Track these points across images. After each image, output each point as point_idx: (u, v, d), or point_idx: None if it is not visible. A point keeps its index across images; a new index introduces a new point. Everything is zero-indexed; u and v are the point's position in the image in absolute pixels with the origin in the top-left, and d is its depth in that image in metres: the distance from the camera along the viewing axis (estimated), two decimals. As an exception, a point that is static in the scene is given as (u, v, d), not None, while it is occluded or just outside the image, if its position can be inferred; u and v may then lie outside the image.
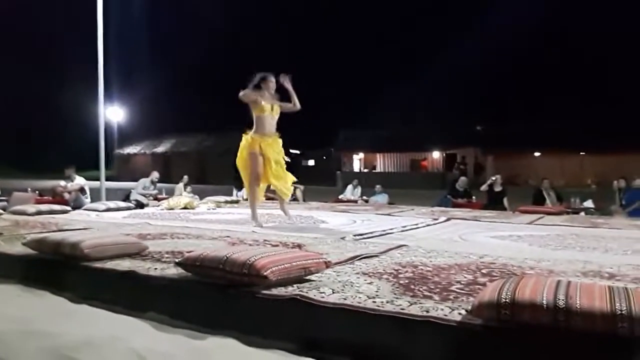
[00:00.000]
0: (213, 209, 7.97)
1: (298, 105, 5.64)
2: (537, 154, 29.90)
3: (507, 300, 1.81)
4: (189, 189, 10.81)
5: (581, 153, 28.23)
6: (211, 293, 2.52)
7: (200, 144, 36.30)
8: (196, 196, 9.60)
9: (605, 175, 24.10)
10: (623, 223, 6.42)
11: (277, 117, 5.55)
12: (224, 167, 30.31)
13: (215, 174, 29.22)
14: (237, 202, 9.41)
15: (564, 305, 1.73)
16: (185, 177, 11.38)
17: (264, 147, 5.42)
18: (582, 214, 8.53)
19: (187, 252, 2.95)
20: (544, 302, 1.75)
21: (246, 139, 5.51)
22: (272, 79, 5.48)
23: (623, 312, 1.68)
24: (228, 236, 4.41)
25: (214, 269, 2.52)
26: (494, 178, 10.06)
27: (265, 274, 2.35)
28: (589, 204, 9.55)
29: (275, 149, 5.51)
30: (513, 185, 24.61)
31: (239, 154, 5.60)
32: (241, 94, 5.33)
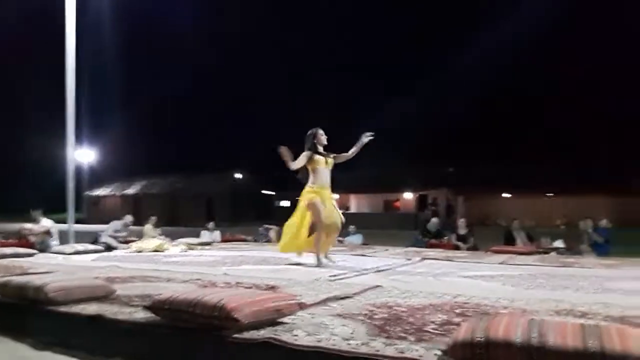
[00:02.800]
0: (185, 251, 7.81)
1: (351, 155, 5.88)
2: (506, 195, 30.49)
3: (481, 339, 1.80)
4: (158, 230, 10.58)
5: (549, 195, 28.92)
6: (180, 337, 2.44)
7: (171, 185, 35.91)
8: (167, 238, 9.41)
9: (573, 215, 24.66)
10: (593, 262, 6.52)
11: (330, 168, 5.76)
12: (196, 209, 30.08)
13: (187, 215, 28.85)
14: (209, 244, 9.26)
15: (537, 344, 1.73)
16: (154, 217, 11.16)
17: (323, 198, 5.63)
18: (553, 253, 8.64)
19: (157, 295, 2.86)
20: (518, 340, 1.75)
21: (308, 190, 5.67)
22: (322, 132, 5.74)
23: (595, 349, 1.69)
24: (199, 279, 4.31)
25: (184, 312, 2.44)
26: (460, 222, 10.34)
27: (236, 316, 2.29)
28: (559, 243, 9.69)
29: (332, 201, 5.76)
30: (483, 226, 24.94)
31: (301, 204, 5.73)
32: (293, 166, 5.58)
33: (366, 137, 5.82)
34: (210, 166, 34.40)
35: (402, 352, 1.99)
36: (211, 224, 11.54)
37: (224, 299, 2.39)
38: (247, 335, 2.30)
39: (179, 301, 2.50)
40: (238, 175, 36.65)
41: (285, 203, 37.38)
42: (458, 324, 2.46)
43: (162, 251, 7.57)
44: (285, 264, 5.82)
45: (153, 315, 2.63)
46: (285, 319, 2.58)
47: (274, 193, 37.62)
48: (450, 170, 32.50)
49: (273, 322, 2.49)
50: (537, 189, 27.84)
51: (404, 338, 2.25)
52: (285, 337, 2.24)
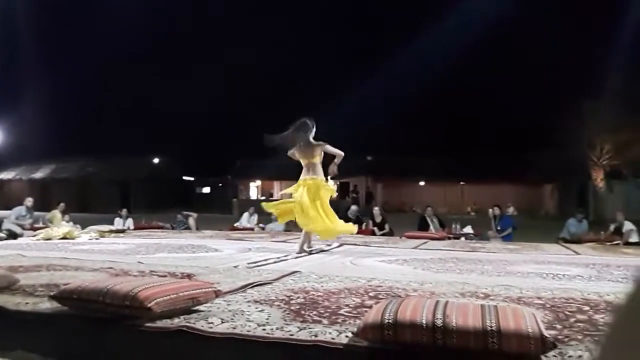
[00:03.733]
0: (96, 238, 7.47)
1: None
2: (422, 183, 31.79)
3: (390, 321, 1.88)
4: (66, 217, 10.02)
5: (461, 183, 30.49)
6: (89, 327, 2.35)
7: (83, 169, 33.97)
8: (77, 225, 8.94)
9: (482, 203, 26.20)
10: (498, 247, 6.98)
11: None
12: (110, 195, 28.70)
13: (100, 202, 27.49)
14: (122, 231, 8.91)
15: (441, 324, 1.84)
16: (62, 204, 10.56)
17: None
18: (463, 239, 9.16)
19: (64, 284, 2.73)
20: (424, 321, 1.85)
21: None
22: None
23: (493, 328, 1.82)
24: (111, 267, 4.15)
25: (94, 301, 2.35)
26: (376, 209, 10.76)
27: (149, 305, 2.24)
28: (468, 229, 10.28)
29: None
30: (400, 212, 25.89)
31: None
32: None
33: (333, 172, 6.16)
34: (126, 149, 32.83)
35: (315, 336, 2.04)
36: (124, 211, 11.10)
37: (137, 288, 2.33)
38: (160, 324, 2.25)
39: (89, 290, 2.40)
40: (156, 160, 35.37)
41: (206, 189, 36.69)
42: (370, 307, 2.55)
43: (72, 239, 7.18)
44: (202, 252, 5.73)
45: (59, 305, 2.50)
46: (201, 307, 2.55)
47: (193, 179, 36.75)
48: (369, 159, 33.30)
49: (188, 311, 2.46)
50: (450, 177, 29.24)
51: (319, 322, 2.30)
52: (200, 325, 2.22)
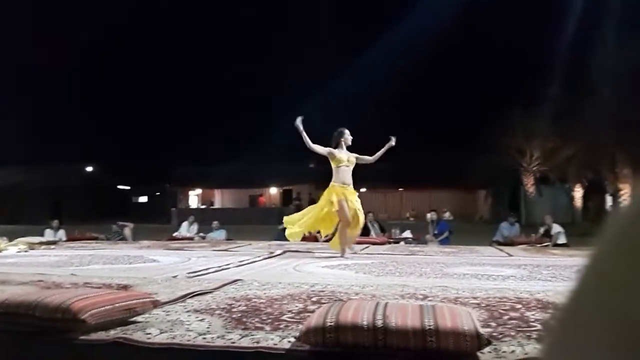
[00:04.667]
0: (25, 251, 7.07)
1: (374, 159, 6.29)
2: (363, 189, 32.32)
3: (331, 324, 1.89)
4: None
5: (400, 189, 31.23)
6: (18, 342, 2.21)
7: (9, 178, 32.05)
8: (4, 237, 8.42)
9: (420, 208, 26.93)
10: (435, 250, 7.20)
11: (352, 167, 6.07)
12: (41, 205, 27.24)
13: (30, 212, 26.05)
14: (54, 243, 8.48)
15: (382, 325, 1.87)
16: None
17: (346, 195, 5.93)
18: (402, 243, 9.38)
19: (-13, 299, 2.56)
20: (365, 323, 1.87)
21: (332, 188, 5.98)
22: (348, 133, 6.17)
23: (431, 327, 1.87)
24: (41, 280, 3.93)
25: (22, 315, 2.22)
26: None
27: (83, 317, 2.14)
28: (407, 234, 10.54)
29: (354, 199, 6.03)
30: (343, 219, 26.16)
31: (322, 200, 6.05)
32: (309, 143, 5.99)
33: (393, 141, 6.20)
34: (58, 157, 31.30)
35: (257, 342, 2.03)
36: (56, 222, 10.57)
37: (70, 299, 2.22)
38: (95, 336, 2.16)
39: (17, 304, 2.27)
40: (89, 168, 33.96)
41: (143, 199, 35.57)
42: (313, 312, 2.56)
43: (-2, 252, 6.76)
44: (140, 263, 5.55)
45: (-17, 321, 2.34)
46: (138, 318, 2.46)
47: (130, 188, 35.56)
48: (311, 166, 33.50)
49: (125, 322, 2.37)
50: (390, 184, 29.89)
51: (261, 328, 2.28)
52: (137, 336, 2.14)
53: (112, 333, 2.20)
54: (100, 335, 2.17)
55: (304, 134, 5.93)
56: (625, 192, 16.97)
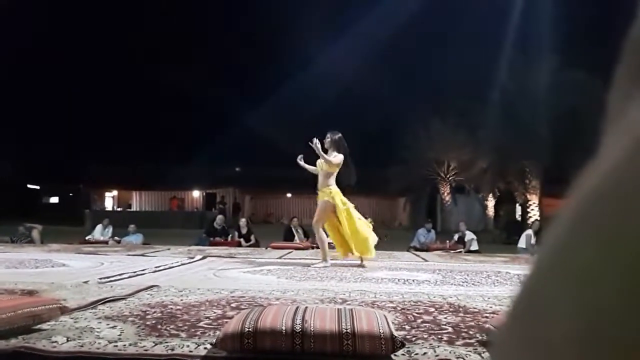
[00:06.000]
0: None
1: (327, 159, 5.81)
2: (289, 195, 32.36)
3: (250, 329, 1.88)
4: None
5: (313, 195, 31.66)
6: None
7: None
8: None
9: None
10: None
11: (325, 171, 5.83)
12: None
13: None
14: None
15: (300, 330, 1.88)
16: None
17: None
18: (325, 248, 9.47)
19: None
20: (283, 328, 1.88)
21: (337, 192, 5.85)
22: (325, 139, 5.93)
23: (348, 330, 1.91)
24: None
25: None
26: (243, 221, 10.76)
27: (-21, 326, 1.98)
28: (329, 239, 10.67)
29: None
30: (267, 223, 26.07)
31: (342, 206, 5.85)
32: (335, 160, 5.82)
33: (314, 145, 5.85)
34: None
35: (172, 350, 1.97)
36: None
37: (-37, 308, 2.04)
38: (-8, 346, 2.00)
39: None
40: (-5, 166, 31.51)
41: (54, 199, 33.46)
42: (232, 318, 2.53)
43: None
44: (48, 267, 5.22)
45: None
46: (43, 326, 2.31)
47: (40, 187, 33.34)
48: (237, 170, 33.10)
49: (28, 330, 2.21)
50: (315, 190, 30.21)
51: (176, 335, 2.22)
52: (41, 345, 2.01)
53: (13, 342, 2.05)
54: (0, 344, 2.02)
55: (310, 167, 6.06)
56: (534, 203, 18.21)
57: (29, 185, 32.91)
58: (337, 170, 5.88)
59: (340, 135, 5.98)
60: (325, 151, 5.89)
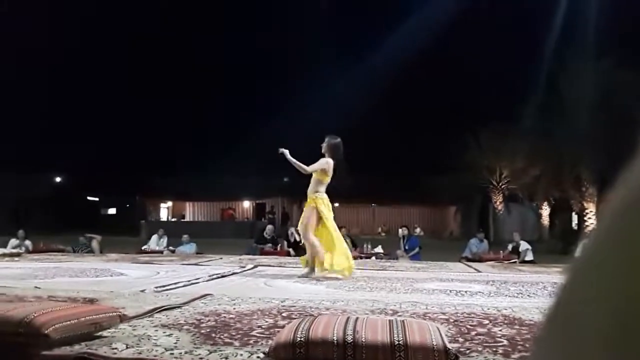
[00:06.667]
0: (-14, 263, 6.84)
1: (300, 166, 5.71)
2: (336, 204, 32.43)
3: (302, 339, 1.89)
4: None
5: (372, 205, 31.45)
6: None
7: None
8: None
9: (391, 224, 27.10)
10: (406, 266, 7.25)
11: (315, 178, 5.67)
12: (5, 216, 26.41)
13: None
14: (17, 255, 8.24)
15: (351, 340, 1.88)
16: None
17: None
18: (373, 258, 9.42)
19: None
20: (335, 338, 1.88)
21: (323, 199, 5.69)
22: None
23: (400, 342, 1.89)
24: (3, 293, 3.82)
25: (-19, 330, 2.15)
26: (292, 230, 10.77)
27: (46, 332, 2.08)
28: (378, 249, 10.61)
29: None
30: (316, 233, 26.16)
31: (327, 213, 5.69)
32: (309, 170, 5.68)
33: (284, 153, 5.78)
34: (25, 166, 30.40)
35: (226, 358, 2.01)
36: (20, 232, 10.28)
37: (33, 313, 2.16)
38: (58, 351, 2.10)
39: (-25, 319, 2.19)
40: (57, 178, 33.18)
41: (112, 211, 34.84)
42: (283, 327, 2.55)
43: (-43, 264, 6.53)
44: (107, 276, 5.43)
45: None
46: (104, 333, 2.41)
47: (98, 199, 34.80)
48: (285, 180, 33.47)
49: (90, 337, 2.31)
50: (362, 199, 30.06)
51: (230, 344, 2.26)
52: (103, 351, 2.10)
53: (77, 348, 2.15)
54: (64, 350, 2.12)
55: (297, 163, 5.74)
56: (591, 211, 17.45)
57: (88, 197, 34.39)
58: (327, 177, 5.67)
59: (339, 140, 5.79)
60: (322, 155, 5.74)
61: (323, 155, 5.72)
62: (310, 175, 5.73)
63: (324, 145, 5.73)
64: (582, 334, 0.22)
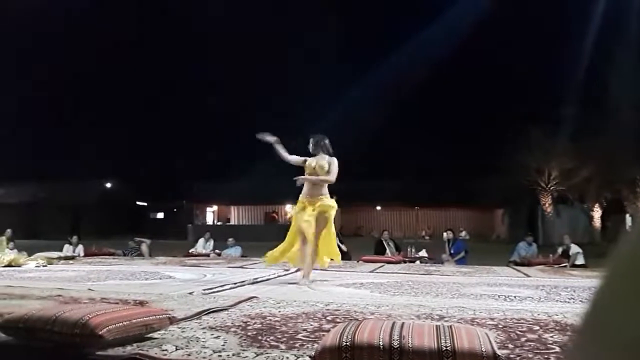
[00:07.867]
0: (44, 265, 7.16)
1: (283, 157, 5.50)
2: (378, 207, 32.17)
3: (347, 343, 1.89)
4: (11, 244, 9.57)
5: (416, 208, 31.06)
6: (37, 358, 2.24)
7: (31, 194, 32.59)
8: (23, 252, 8.54)
9: (436, 227, 26.68)
10: (452, 270, 7.12)
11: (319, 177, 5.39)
12: (60, 221, 27.59)
13: (48, 228, 26.42)
14: (72, 258, 8.57)
15: (398, 346, 1.86)
16: (9, 230, 10.09)
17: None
18: (418, 262, 9.29)
19: (8, 313, 2.60)
20: (381, 343, 1.87)
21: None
22: (311, 140, 5.51)
23: (448, 348, 1.86)
24: (60, 295, 3.99)
25: (41, 330, 2.25)
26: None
27: (100, 333, 2.16)
28: (423, 253, 10.46)
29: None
30: (357, 236, 26.05)
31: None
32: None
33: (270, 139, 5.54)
34: (78, 173, 31.70)
35: (272, 361, 2.03)
36: (74, 237, 10.71)
37: (87, 315, 2.24)
38: (112, 352, 2.18)
39: (36, 319, 2.30)
40: (108, 184, 34.42)
41: (160, 215, 35.82)
42: (328, 331, 2.55)
43: (17, 266, 6.86)
44: (156, 279, 5.58)
45: (4, 335, 2.38)
46: (154, 334, 2.48)
47: (147, 204, 35.86)
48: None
49: (141, 338, 2.39)
50: (405, 202, 29.75)
51: (276, 347, 2.28)
52: (154, 352, 2.16)
53: (129, 349, 2.22)
54: (117, 351, 2.19)
55: (286, 155, 5.54)
56: (646, 213, 16.72)
57: (137, 202, 35.49)
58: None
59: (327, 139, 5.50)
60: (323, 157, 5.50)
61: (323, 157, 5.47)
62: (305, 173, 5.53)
63: (324, 144, 5.49)
64: (615, 341, 0.22)
